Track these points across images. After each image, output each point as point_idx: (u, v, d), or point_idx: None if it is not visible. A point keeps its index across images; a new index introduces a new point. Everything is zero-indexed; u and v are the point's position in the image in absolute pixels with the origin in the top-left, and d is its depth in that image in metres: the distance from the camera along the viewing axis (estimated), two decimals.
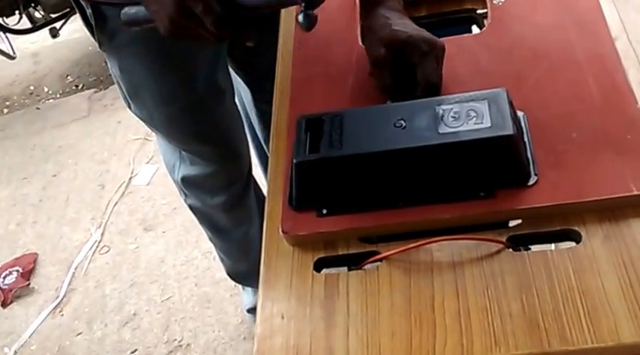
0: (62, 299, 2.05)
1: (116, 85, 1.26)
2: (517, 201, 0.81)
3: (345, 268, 0.85)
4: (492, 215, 0.81)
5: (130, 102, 1.25)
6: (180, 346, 1.82)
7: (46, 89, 3.04)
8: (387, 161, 0.83)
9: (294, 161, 0.86)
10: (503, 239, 0.80)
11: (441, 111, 0.83)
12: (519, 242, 0.81)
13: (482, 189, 0.82)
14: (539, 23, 1.01)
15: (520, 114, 0.87)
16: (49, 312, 2.02)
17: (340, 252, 0.85)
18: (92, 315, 1.98)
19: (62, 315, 2.01)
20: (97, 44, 1.17)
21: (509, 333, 0.73)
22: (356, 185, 0.86)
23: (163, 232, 2.14)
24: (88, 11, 1.10)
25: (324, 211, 0.86)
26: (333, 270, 0.85)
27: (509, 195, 0.81)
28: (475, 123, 0.81)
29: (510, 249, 0.80)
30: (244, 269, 1.68)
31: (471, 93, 0.85)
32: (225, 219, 1.51)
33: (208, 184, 1.42)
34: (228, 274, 1.75)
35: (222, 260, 1.71)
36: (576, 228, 0.79)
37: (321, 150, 0.85)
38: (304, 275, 0.84)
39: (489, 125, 0.80)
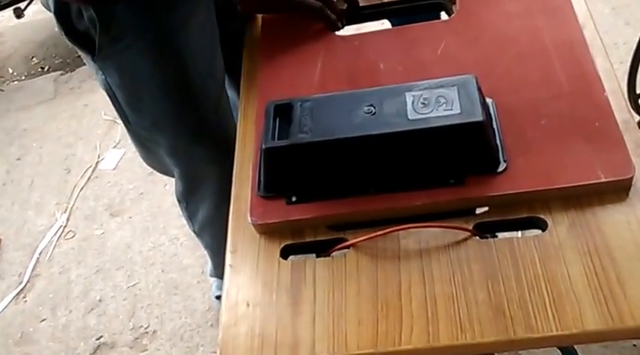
0: (26, 284, 2.01)
1: (110, 100, 1.17)
2: (486, 188, 0.81)
3: (312, 255, 0.84)
4: (462, 202, 0.81)
5: (131, 113, 1.18)
6: (147, 333, 1.80)
7: (10, 70, 2.96)
8: (357, 147, 0.83)
9: (263, 147, 0.85)
10: (470, 226, 0.80)
11: (410, 98, 0.83)
12: (486, 229, 0.81)
13: (452, 176, 0.82)
14: (507, 10, 1.01)
15: (489, 100, 0.87)
16: (12, 298, 1.98)
17: (307, 239, 0.84)
18: (56, 301, 1.94)
19: (25, 301, 1.97)
20: (88, 55, 1.08)
21: (475, 320, 0.73)
22: (325, 172, 0.85)
23: (130, 217, 2.11)
24: (87, 13, 1.03)
25: (294, 199, 0.85)
26: (299, 257, 0.84)
27: (478, 182, 0.81)
28: (445, 110, 0.80)
29: (477, 237, 0.80)
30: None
31: (441, 80, 0.84)
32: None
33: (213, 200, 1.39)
34: (216, 276, 1.73)
35: (210, 257, 1.69)
36: (542, 216, 0.79)
37: (290, 136, 0.84)
38: (271, 262, 0.83)
39: (459, 111, 0.80)
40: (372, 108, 0.83)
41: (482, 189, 0.81)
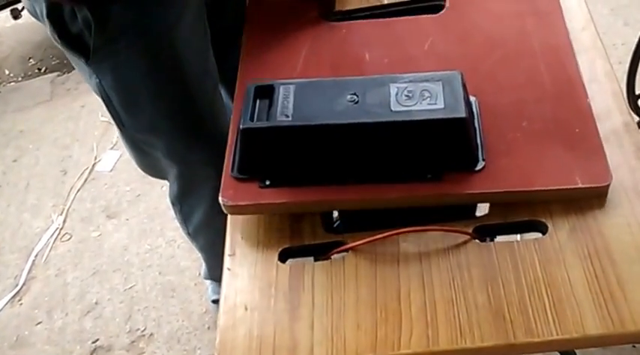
0: (21, 287, 2.00)
1: (104, 104, 1.16)
2: (464, 185, 0.81)
3: (310, 258, 0.83)
4: (438, 198, 0.81)
5: (126, 115, 1.17)
6: (143, 336, 1.79)
7: (7, 72, 2.95)
8: (337, 135, 0.82)
9: (241, 127, 0.83)
10: (470, 230, 0.80)
11: (395, 89, 0.82)
12: (486, 232, 0.81)
13: (430, 171, 0.82)
14: (496, 10, 1.00)
15: (472, 99, 0.87)
16: (8, 301, 1.97)
17: (306, 242, 0.84)
18: (52, 304, 1.93)
19: (21, 304, 1.96)
20: (81, 59, 1.07)
21: (474, 325, 0.73)
22: (302, 158, 0.84)
23: (127, 219, 2.10)
24: (82, 14, 1.01)
25: (267, 182, 0.84)
26: (298, 261, 0.83)
27: (456, 179, 0.81)
28: (428, 104, 0.80)
29: (477, 240, 0.79)
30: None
31: (426, 74, 0.83)
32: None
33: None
34: (211, 278, 1.72)
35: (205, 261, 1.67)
36: (542, 219, 0.79)
37: (270, 118, 0.83)
38: (269, 265, 0.82)
39: (442, 106, 0.79)
40: (355, 97, 0.82)
41: (459, 187, 0.81)
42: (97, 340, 1.81)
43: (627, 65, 1.55)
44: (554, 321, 0.71)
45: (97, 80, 1.11)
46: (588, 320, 0.70)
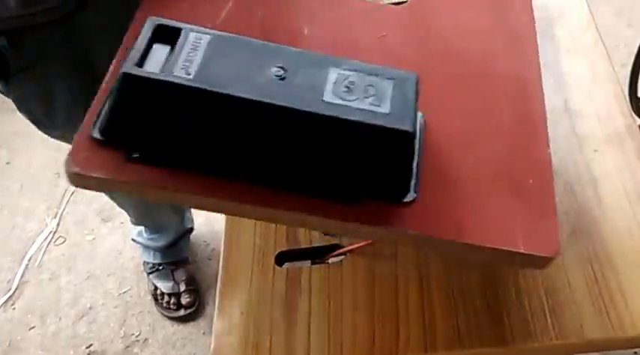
0: (14, 292, 1.98)
1: (26, 115, 1.23)
2: (383, 218, 0.63)
3: (307, 262, 0.83)
4: (347, 228, 0.64)
5: (44, 120, 1.24)
6: (138, 341, 1.78)
7: None
8: (245, 114, 0.62)
9: (122, 70, 0.61)
10: None
11: (334, 75, 0.63)
12: None
13: (348, 191, 0.64)
14: (465, 20, 0.84)
15: (419, 114, 0.69)
16: (1, 306, 1.95)
17: (303, 246, 0.83)
18: (46, 309, 1.92)
19: (14, 309, 1.94)
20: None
21: (473, 329, 0.72)
22: (190, 133, 0.64)
23: (121, 223, 2.09)
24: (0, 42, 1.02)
25: (135, 155, 0.64)
26: (295, 264, 0.82)
27: (376, 207, 0.63)
28: (371, 104, 0.61)
29: None
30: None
31: (378, 66, 0.64)
32: None
33: None
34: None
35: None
36: None
37: (165, 69, 0.61)
38: (265, 269, 0.81)
39: (387, 111, 0.61)
40: (283, 72, 0.63)
41: (376, 218, 0.63)
42: (91, 345, 1.80)
43: (630, 67, 1.54)
44: (553, 326, 0.71)
45: (15, 98, 1.18)
46: (588, 325, 0.70)
